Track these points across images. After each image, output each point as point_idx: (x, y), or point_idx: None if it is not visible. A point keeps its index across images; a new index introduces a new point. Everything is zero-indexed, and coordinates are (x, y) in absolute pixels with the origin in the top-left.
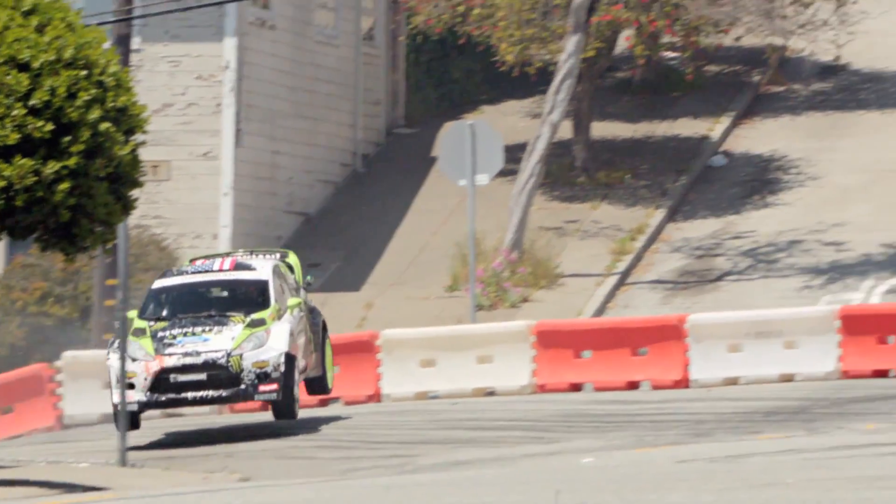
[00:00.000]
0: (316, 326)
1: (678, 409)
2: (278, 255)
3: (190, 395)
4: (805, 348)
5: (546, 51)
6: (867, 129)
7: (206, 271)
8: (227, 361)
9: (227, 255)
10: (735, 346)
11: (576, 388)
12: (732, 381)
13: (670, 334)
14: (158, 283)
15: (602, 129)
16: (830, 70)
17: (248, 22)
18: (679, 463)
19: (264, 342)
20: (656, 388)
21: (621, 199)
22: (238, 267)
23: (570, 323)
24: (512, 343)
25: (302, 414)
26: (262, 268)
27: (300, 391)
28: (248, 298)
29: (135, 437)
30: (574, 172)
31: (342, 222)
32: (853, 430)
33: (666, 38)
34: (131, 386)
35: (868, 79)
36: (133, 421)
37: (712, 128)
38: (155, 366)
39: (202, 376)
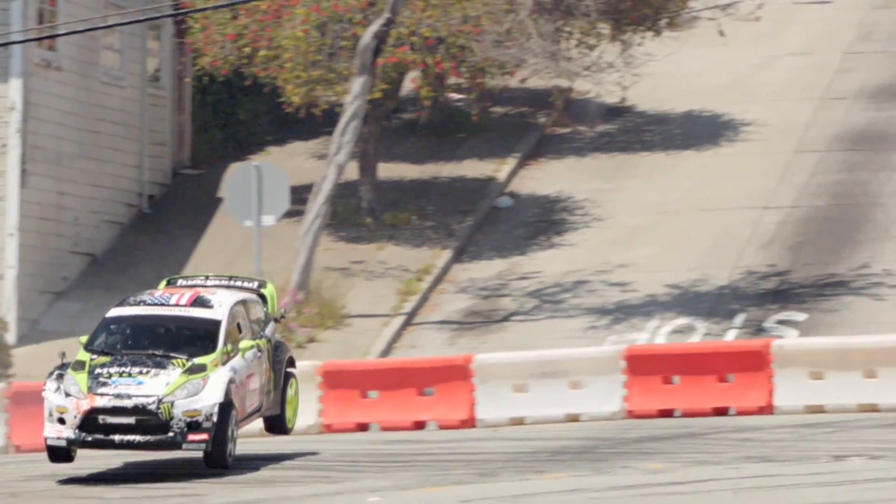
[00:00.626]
0: (279, 364)
1: (464, 449)
2: (256, 284)
3: (117, 437)
4: (590, 388)
5: (332, 92)
6: (652, 170)
7: (162, 304)
8: (158, 408)
9: (206, 277)
10: (521, 385)
11: (362, 427)
12: (518, 421)
13: (456, 374)
14: (113, 312)
15: (389, 170)
16: (616, 112)
17: (34, 63)
18: (465, 502)
19: (199, 390)
20: (442, 427)
21: (408, 240)
22: (195, 303)
23: (355, 363)
24: (300, 383)
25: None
26: (220, 305)
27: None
28: (197, 338)
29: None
30: (361, 213)
31: (128, 263)
32: (638, 470)
33: (452, 80)
34: (62, 421)
35: (653, 121)
36: (65, 454)
37: (498, 169)
38: (85, 405)
39: (131, 420)
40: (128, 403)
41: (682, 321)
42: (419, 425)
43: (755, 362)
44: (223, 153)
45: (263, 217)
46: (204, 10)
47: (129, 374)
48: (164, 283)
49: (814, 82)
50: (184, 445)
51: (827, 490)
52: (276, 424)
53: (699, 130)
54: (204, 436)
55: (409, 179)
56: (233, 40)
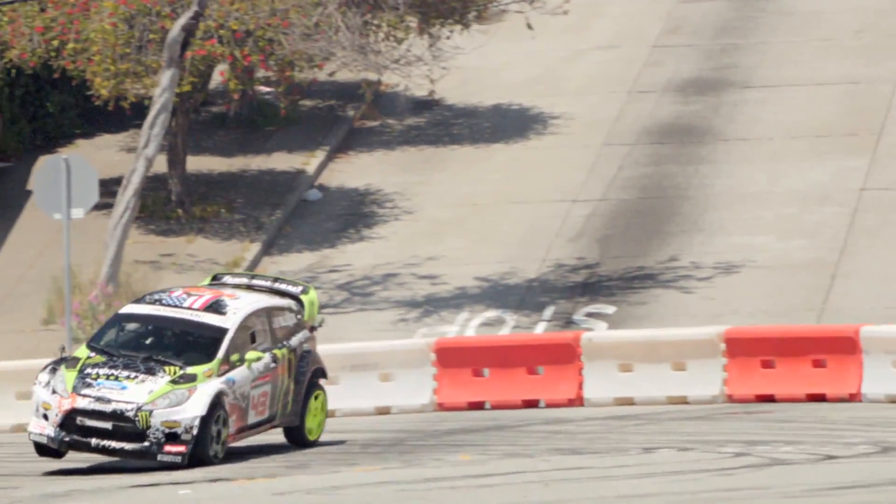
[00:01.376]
0: (301, 375)
1: (275, 442)
2: (299, 289)
3: (94, 441)
4: (401, 381)
5: (141, 85)
6: (461, 163)
7: (176, 306)
8: (136, 416)
9: (251, 277)
10: (332, 378)
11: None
12: (329, 414)
13: None
14: (126, 309)
15: (198, 163)
16: (424, 105)
17: None
18: (276, 495)
19: (182, 401)
20: None
21: (217, 233)
22: (210, 307)
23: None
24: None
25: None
26: (234, 313)
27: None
28: (200, 345)
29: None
30: (170, 206)
31: None
32: (448, 462)
33: (260, 73)
34: (46, 417)
35: (462, 114)
36: (52, 450)
37: (307, 162)
38: (66, 404)
39: (108, 425)
40: (107, 408)
41: (492, 314)
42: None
43: (565, 355)
44: (32, 146)
45: (73, 210)
46: (11, 2)
47: (116, 378)
48: (208, 279)
49: (622, 76)
50: (159, 456)
51: (636, 482)
52: (295, 435)
53: (508, 124)
54: (181, 448)
55: (219, 172)
56: (41, 33)
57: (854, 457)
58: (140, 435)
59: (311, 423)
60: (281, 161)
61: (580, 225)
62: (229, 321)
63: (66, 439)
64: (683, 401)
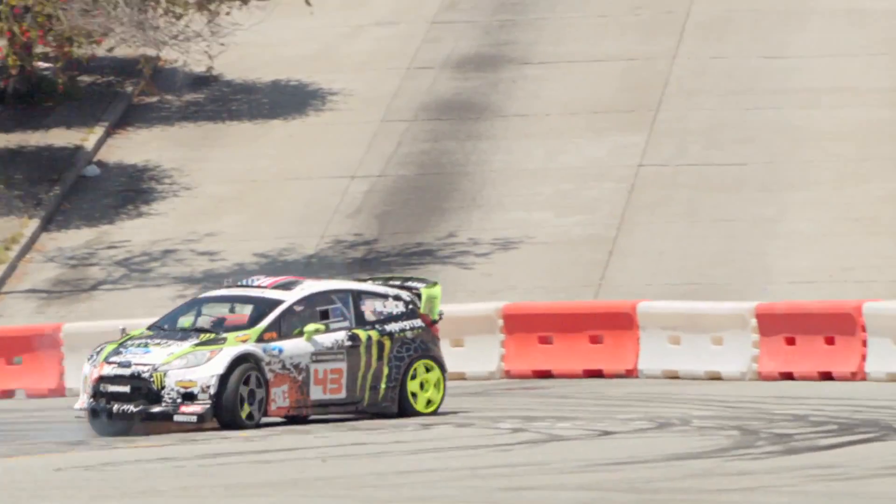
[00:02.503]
0: (398, 360)
1: (53, 418)
2: (424, 284)
3: (115, 406)
4: None
5: None
6: (239, 139)
7: (247, 286)
8: (150, 376)
9: (388, 278)
10: None
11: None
12: None
13: (45, 343)
14: (204, 294)
15: None
16: (203, 81)
17: None
18: (56, 471)
19: (201, 362)
20: (31, 396)
21: None
22: (279, 286)
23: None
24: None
25: None
26: (301, 290)
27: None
28: (252, 318)
29: None
30: None
31: None
32: (228, 438)
33: (39, 49)
34: (85, 390)
35: (240, 90)
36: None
37: (86, 138)
38: (96, 373)
39: (126, 389)
40: (125, 371)
41: None
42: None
43: None
44: None
45: None
46: None
47: (145, 345)
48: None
49: (400, 52)
50: (175, 417)
51: (414, 458)
52: (405, 414)
53: (286, 100)
54: (197, 408)
55: None
56: None
57: (630, 432)
58: (155, 396)
59: (416, 405)
60: (59, 137)
61: (359, 201)
62: (288, 296)
63: (96, 408)
64: (462, 377)
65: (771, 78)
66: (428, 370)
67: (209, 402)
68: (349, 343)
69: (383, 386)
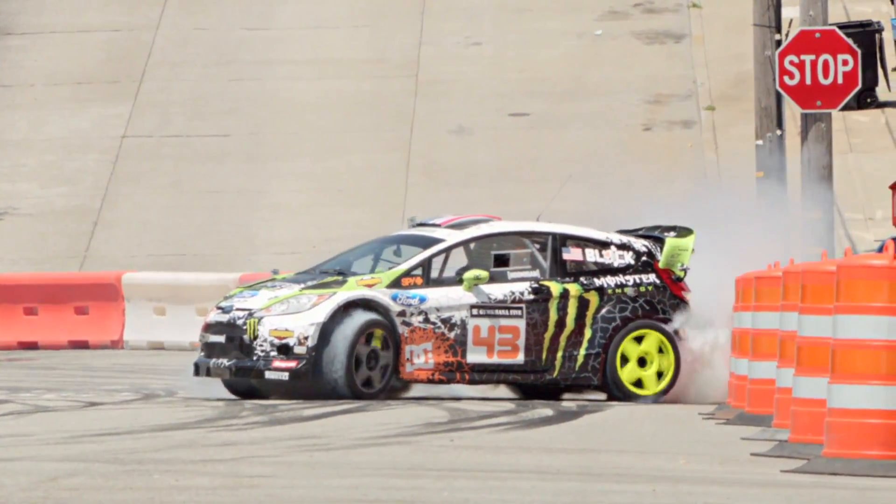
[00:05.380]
0: (603, 322)
1: None
2: (672, 233)
3: (212, 361)
4: None
5: None
6: None
7: (424, 224)
8: (244, 324)
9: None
10: None
11: None
12: None
13: None
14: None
15: None
16: None
17: None
18: None
19: (303, 308)
20: None
21: None
22: (454, 225)
23: None
24: None
25: None
26: (477, 229)
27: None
28: (400, 260)
29: None
30: None
31: None
32: None
33: None
34: None
35: None
36: (229, 384)
37: None
38: (202, 321)
39: (221, 339)
40: (223, 318)
41: None
42: None
43: None
44: None
45: None
46: None
47: (258, 287)
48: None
49: None
50: (267, 374)
51: None
52: (613, 394)
53: None
54: (291, 363)
55: None
56: None
57: (115, 403)
58: (247, 347)
59: (627, 377)
60: None
61: None
62: (454, 235)
63: (198, 363)
64: None
65: (254, 49)
66: (649, 341)
67: (306, 356)
68: (531, 296)
69: (582, 353)
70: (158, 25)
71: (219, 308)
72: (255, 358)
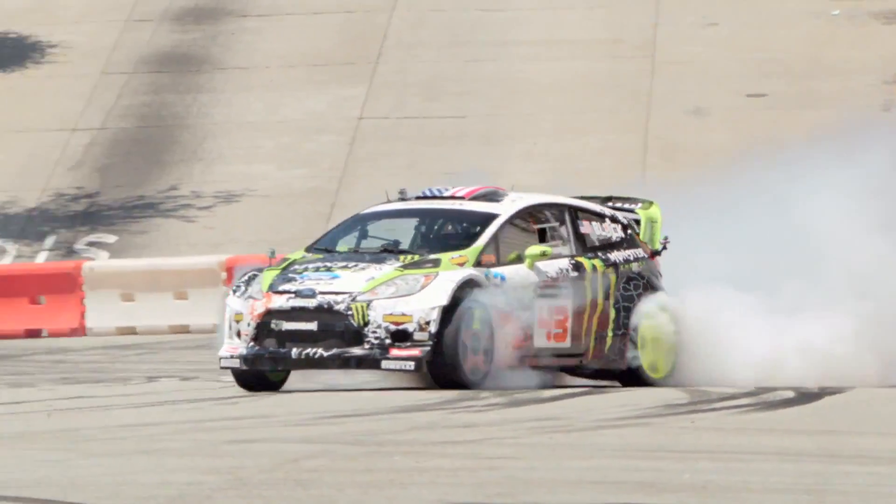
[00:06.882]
0: (626, 301)
1: None
2: (638, 204)
3: (294, 350)
4: None
5: None
6: None
7: (434, 197)
8: (348, 309)
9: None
10: None
11: None
12: None
13: None
14: (367, 210)
15: None
16: None
17: None
18: None
19: (414, 290)
20: None
21: None
22: (479, 196)
23: None
24: None
25: None
26: (513, 202)
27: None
28: (459, 236)
29: None
30: None
31: None
32: None
33: None
34: (238, 334)
35: None
36: (255, 377)
37: None
38: (260, 306)
39: (311, 326)
40: (310, 303)
41: None
42: None
43: (66, 284)
44: None
45: None
46: None
47: (328, 269)
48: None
49: (119, 4)
50: (383, 363)
51: (140, 411)
52: (635, 380)
53: (5, 52)
54: (414, 352)
55: None
56: None
57: (355, 385)
58: (356, 334)
59: (647, 358)
60: None
61: (80, 154)
62: (504, 208)
63: (262, 353)
64: (186, 330)
65: (489, 30)
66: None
67: (429, 343)
68: (574, 273)
69: (609, 334)
70: (394, 7)
71: (280, 292)
72: (366, 346)
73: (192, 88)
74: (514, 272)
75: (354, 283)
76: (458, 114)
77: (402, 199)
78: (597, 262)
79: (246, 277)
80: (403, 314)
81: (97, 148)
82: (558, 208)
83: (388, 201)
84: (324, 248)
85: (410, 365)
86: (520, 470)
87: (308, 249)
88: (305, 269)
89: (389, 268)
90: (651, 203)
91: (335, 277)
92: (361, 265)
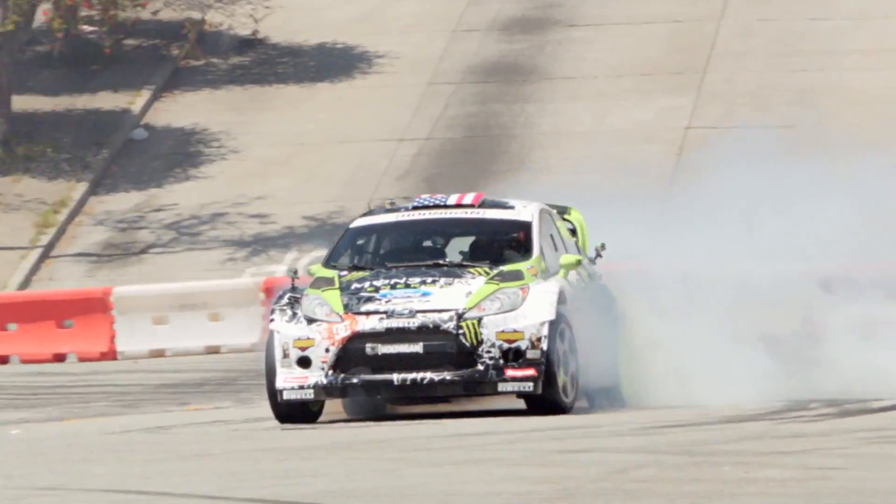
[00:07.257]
0: (607, 311)
1: (105, 381)
2: (561, 209)
3: (396, 376)
4: (230, 320)
5: None
6: (286, 102)
7: (436, 206)
8: (457, 327)
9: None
10: (160, 318)
11: (2, 360)
12: (159, 353)
13: (96, 306)
14: (360, 222)
15: (23, 103)
16: (249, 44)
17: None
18: (107, 434)
19: (517, 305)
20: (83, 360)
21: (43, 173)
22: (486, 204)
23: None
24: None
25: None
26: (524, 207)
27: None
28: (499, 246)
29: None
30: None
31: None
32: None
33: (84, 12)
34: (305, 362)
35: (286, 53)
36: (302, 411)
37: (133, 101)
38: (344, 329)
39: (416, 348)
40: (411, 323)
41: (321, 253)
42: (59, 358)
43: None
44: None
45: None
46: None
47: (407, 285)
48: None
49: (446, 14)
50: (500, 386)
51: (465, 420)
52: (613, 398)
53: (333, 63)
54: (530, 371)
55: (44, 112)
56: None
57: None
58: (469, 356)
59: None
60: (106, 100)
61: (407, 164)
62: (526, 214)
63: (354, 381)
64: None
65: (817, 39)
66: None
67: (543, 361)
68: (584, 283)
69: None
70: (722, 16)
71: (368, 313)
72: (480, 368)
73: (520, 98)
74: (564, 284)
75: (453, 299)
76: (787, 123)
77: (393, 210)
78: (591, 268)
79: (286, 300)
80: (515, 331)
81: (424, 158)
82: (552, 216)
83: (371, 212)
84: (351, 266)
85: (529, 386)
86: (850, 480)
87: (327, 265)
88: (377, 289)
89: (477, 282)
90: (569, 208)
91: (426, 295)
92: (444, 280)
